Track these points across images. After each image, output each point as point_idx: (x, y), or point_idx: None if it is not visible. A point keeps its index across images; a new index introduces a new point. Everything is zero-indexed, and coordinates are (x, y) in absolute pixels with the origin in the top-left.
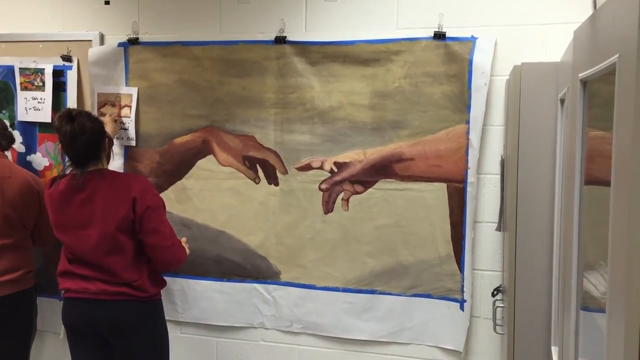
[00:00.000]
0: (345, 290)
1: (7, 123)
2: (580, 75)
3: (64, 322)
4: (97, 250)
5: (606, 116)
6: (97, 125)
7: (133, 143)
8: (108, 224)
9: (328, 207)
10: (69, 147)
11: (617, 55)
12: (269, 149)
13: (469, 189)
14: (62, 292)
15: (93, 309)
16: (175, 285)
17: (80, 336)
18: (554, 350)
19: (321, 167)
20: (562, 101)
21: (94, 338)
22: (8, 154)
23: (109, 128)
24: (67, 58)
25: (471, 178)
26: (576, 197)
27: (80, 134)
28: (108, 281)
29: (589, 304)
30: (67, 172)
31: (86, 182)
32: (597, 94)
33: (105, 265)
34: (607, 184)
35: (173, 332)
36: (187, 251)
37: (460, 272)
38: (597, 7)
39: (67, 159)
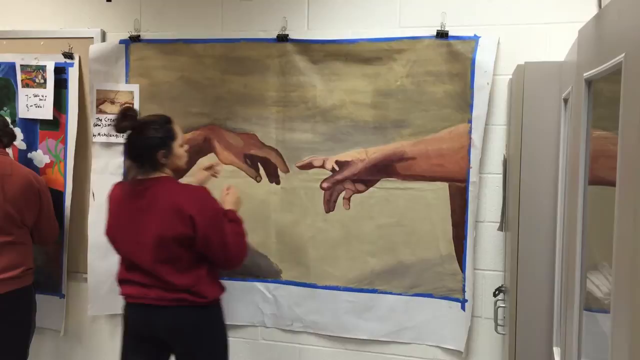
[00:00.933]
0: (346, 289)
1: (9, 120)
2: (585, 74)
3: (124, 326)
4: (150, 258)
5: (609, 116)
6: (155, 132)
7: None
8: (163, 236)
9: (329, 206)
10: (124, 144)
11: (623, 55)
12: (270, 148)
13: (470, 188)
14: (123, 297)
15: (153, 314)
16: None
17: (139, 340)
18: (556, 351)
19: (323, 166)
20: (566, 101)
21: (153, 343)
22: (9, 151)
23: (197, 176)
24: (68, 55)
25: (473, 177)
26: (580, 197)
27: (133, 134)
28: (166, 288)
29: (592, 305)
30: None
31: (145, 189)
32: (600, 94)
33: (159, 275)
34: (610, 184)
35: None
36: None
37: (462, 271)
38: (602, 7)
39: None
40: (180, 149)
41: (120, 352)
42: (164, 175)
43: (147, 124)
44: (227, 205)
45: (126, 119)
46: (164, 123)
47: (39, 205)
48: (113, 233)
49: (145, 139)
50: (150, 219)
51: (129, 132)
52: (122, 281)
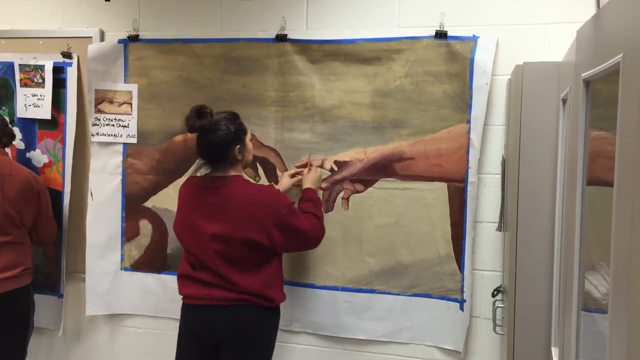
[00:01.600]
0: (344, 289)
1: (7, 119)
2: (583, 75)
3: (183, 329)
4: (216, 257)
5: (607, 116)
6: (229, 128)
7: (135, 140)
8: (232, 236)
9: (328, 205)
10: (197, 143)
11: (621, 55)
12: (269, 147)
13: (469, 188)
14: (182, 297)
15: (216, 313)
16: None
17: (195, 345)
18: (554, 351)
19: (321, 166)
20: (564, 101)
21: (209, 350)
22: (8, 151)
23: (282, 183)
24: (67, 55)
25: (472, 178)
26: (578, 197)
27: (208, 132)
28: (231, 289)
29: (590, 305)
30: (200, 171)
31: (219, 187)
32: (598, 94)
33: (224, 274)
34: (607, 184)
35: (172, 332)
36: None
37: (460, 272)
38: (600, 7)
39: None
40: (250, 143)
41: (176, 357)
42: (238, 174)
43: (220, 121)
44: (307, 184)
45: (203, 117)
46: (235, 118)
47: (38, 206)
48: (181, 229)
49: (221, 135)
50: (221, 218)
51: (201, 130)
52: (184, 277)
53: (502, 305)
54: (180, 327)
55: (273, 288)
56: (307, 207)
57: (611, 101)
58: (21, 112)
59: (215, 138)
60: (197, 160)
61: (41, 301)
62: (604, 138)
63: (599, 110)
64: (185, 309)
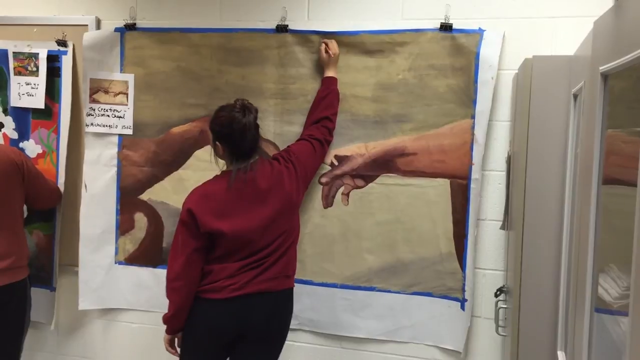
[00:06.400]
0: (343, 286)
1: (0, 109)
2: (601, 68)
3: (206, 328)
4: (276, 240)
5: (619, 113)
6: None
7: (130, 132)
8: (293, 202)
9: (327, 201)
10: (232, 144)
11: None
12: (268, 140)
13: (472, 185)
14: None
15: (258, 303)
16: None
17: (222, 340)
18: (560, 355)
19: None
20: (576, 96)
21: (225, 347)
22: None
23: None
24: (62, 43)
25: (475, 174)
26: (593, 197)
27: (249, 128)
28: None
29: (600, 308)
30: (227, 168)
31: (259, 170)
32: (610, 91)
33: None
34: (618, 182)
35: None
36: None
37: (462, 270)
38: None
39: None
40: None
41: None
42: (261, 156)
43: (252, 114)
44: (331, 70)
45: (248, 114)
46: (247, 107)
47: (22, 178)
48: (239, 227)
49: (254, 130)
50: (269, 200)
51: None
52: (234, 275)
53: (505, 306)
54: (201, 328)
55: (294, 263)
56: (332, 100)
57: (622, 98)
58: (15, 100)
59: (253, 135)
60: (226, 162)
61: (33, 294)
62: (615, 135)
63: (610, 107)
64: (223, 303)
